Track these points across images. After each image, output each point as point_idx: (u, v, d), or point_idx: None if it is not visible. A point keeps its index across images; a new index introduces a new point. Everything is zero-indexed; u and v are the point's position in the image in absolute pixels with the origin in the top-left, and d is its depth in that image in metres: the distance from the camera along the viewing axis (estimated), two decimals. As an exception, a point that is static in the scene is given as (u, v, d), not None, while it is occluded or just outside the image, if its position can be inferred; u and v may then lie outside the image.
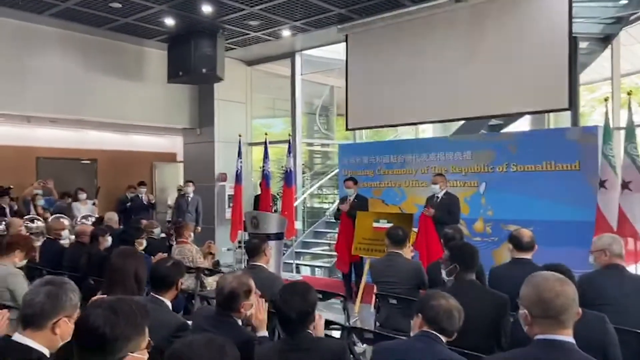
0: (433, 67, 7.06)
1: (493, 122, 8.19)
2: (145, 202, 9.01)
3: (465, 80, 6.76)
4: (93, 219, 7.10)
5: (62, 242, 5.54)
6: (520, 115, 7.59)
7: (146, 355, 1.48)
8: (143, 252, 4.48)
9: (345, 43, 8.00)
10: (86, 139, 9.89)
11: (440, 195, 5.93)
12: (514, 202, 6.38)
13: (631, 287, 3.03)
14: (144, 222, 5.92)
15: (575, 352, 1.66)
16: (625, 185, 4.82)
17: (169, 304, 2.72)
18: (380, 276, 4.09)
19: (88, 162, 9.95)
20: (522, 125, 8.90)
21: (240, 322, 2.47)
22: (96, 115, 8.70)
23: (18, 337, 1.77)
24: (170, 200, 10.02)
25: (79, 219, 7.30)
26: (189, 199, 8.60)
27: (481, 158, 6.74)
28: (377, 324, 3.93)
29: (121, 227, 6.08)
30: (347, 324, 3.93)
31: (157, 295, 2.67)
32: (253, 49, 9.19)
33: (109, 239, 4.86)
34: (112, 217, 6.08)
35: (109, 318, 1.40)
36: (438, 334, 2.12)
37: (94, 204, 8.52)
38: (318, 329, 2.46)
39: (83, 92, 8.31)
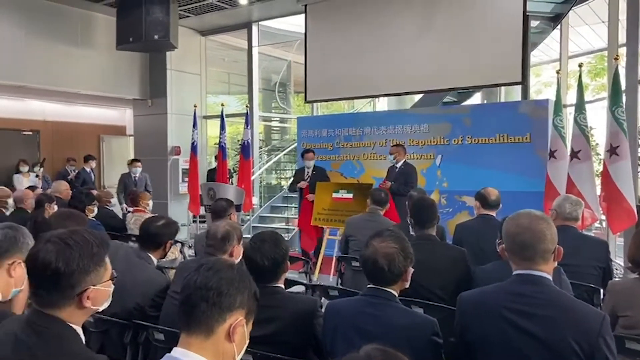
0: (391, 41, 7.06)
1: (447, 99, 8.33)
2: (94, 178, 8.60)
3: (423, 54, 6.81)
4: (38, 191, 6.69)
5: (7, 213, 5.16)
6: (475, 89, 7.76)
7: (111, 287, 1.38)
8: (93, 219, 4.30)
9: (304, 14, 7.87)
10: (28, 108, 9.25)
11: (398, 165, 5.99)
12: (468, 174, 6.52)
13: (575, 245, 2.94)
14: (96, 191, 5.64)
15: (549, 286, 1.65)
16: (574, 155, 5.00)
17: (155, 262, 2.62)
18: (358, 232, 3.96)
19: (30, 133, 9.35)
20: (475, 102, 9.12)
21: None
22: (38, 83, 8.15)
23: None
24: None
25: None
26: (136, 178, 7.87)
27: (437, 131, 6.85)
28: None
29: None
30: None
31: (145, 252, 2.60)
32: (208, 17, 8.89)
33: (55, 207, 4.58)
34: (59, 187, 5.69)
35: (61, 251, 1.27)
36: (386, 289, 1.88)
37: (37, 176, 8.05)
38: None
39: (24, 58, 7.76)
